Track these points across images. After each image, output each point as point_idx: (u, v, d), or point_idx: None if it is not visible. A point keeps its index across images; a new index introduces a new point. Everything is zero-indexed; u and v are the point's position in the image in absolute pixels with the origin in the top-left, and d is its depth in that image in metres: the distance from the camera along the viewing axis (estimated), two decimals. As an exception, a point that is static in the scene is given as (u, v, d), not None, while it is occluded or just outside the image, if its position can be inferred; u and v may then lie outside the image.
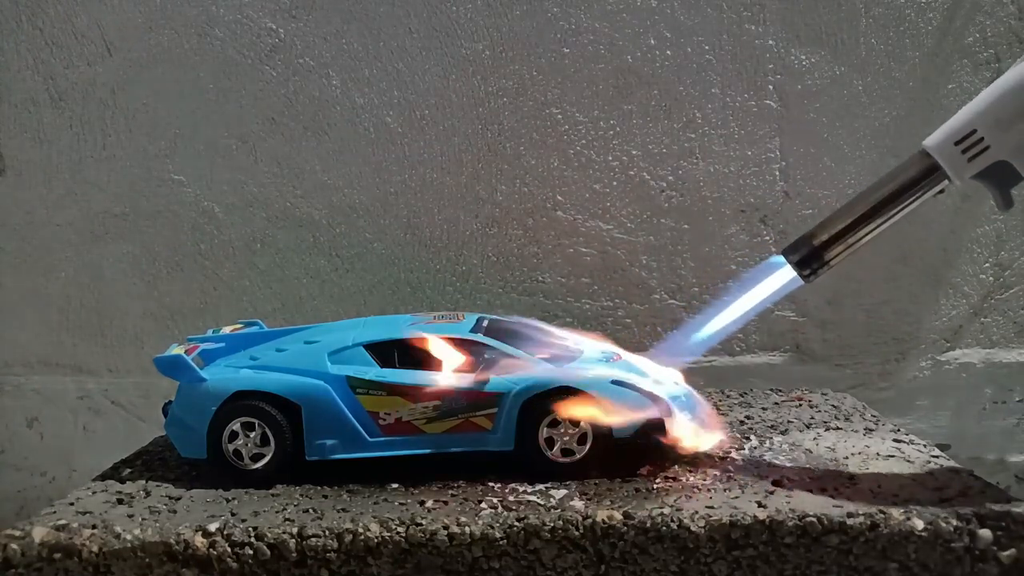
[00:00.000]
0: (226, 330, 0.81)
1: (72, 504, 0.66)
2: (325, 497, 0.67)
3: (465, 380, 0.71)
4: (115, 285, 1.09)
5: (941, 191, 0.70)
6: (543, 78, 1.09)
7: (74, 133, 1.07)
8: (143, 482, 0.71)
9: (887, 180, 0.71)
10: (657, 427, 0.71)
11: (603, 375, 0.71)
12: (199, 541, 0.60)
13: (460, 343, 0.72)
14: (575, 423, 0.70)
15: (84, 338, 1.11)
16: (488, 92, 1.08)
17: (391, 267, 1.10)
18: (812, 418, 0.87)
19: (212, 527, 0.61)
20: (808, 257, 0.72)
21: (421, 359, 0.72)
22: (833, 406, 0.91)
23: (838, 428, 0.83)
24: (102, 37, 1.05)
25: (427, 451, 0.70)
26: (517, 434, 0.70)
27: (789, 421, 0.86)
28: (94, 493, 0.69)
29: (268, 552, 0.60)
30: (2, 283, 1.10)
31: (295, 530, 0.61)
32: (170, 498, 0.67)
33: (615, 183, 1.11)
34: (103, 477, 0.73)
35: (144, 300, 1.09)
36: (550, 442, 0.70)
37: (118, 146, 1.07)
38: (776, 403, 0.93)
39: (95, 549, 0.60)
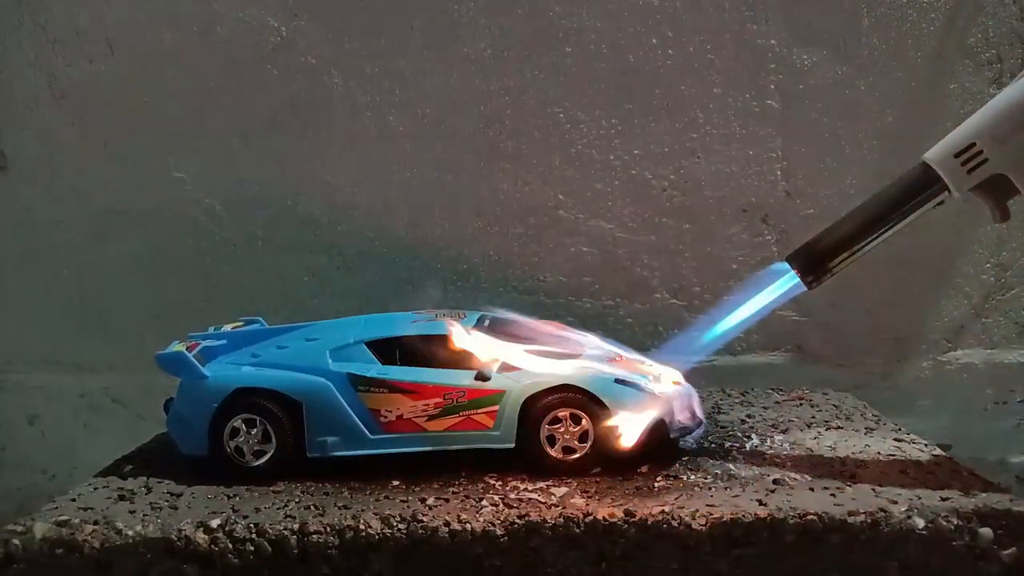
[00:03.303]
0: (227, 327, 0.81)
1: (74, 500, 0.66)
2: (326, 494, 0.67)
3: (466, 377, 0.71)
4: (116, 283, 1.09)
5: (941, 203, 0.71)
6: (545, 77, 1.09)
7: (76, 131, 1.07)
8: (144, 478, 0.71)
9: (888, 190, 0.73)
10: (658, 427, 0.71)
11: (606, 373, 0.71)
12: (200, 537, 0.60)
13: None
14: (576, 420, 0.70)
15: (85, 336, 1.11)
16: (490, 91, 1.08)
17: (392, 265, 1.10)
18: (813, 417, 0.87)
19: (213, 523, 0.61)
20: (811, 264, 0.73)
21: (422, 356, 0.72)
22: (834, 405, 0.91)
23: (839, 427, 0.83)
24: (104, 35, 1.06)
25: (428, 448, 0.70)
26: (518, 431, 0.70)
27: (790, 420, 0.86)
28: (96, 489, 0.69)
29: (269, 548, 0.60)
30: (3, 280, 1.10)
31: (296, 527, 0.61)
32: (171, 494, 0.67)
33: (617, 182, 1.11)
34: (104, 473, 0.73)
35: (145, 298, 1.09)
36: (551, 440, 0.70)
37: (120, 144, 1.07)
38: (777, 402, 0.93)
39: (96, 545, 0.60)
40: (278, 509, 0.64)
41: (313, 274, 1.10)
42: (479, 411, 0.70)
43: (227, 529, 0.61)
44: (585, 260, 1.11)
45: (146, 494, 0.67)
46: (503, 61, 1.08)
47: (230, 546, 0.60)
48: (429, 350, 0.72)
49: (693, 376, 0.80)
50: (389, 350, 0.72)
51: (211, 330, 0.80)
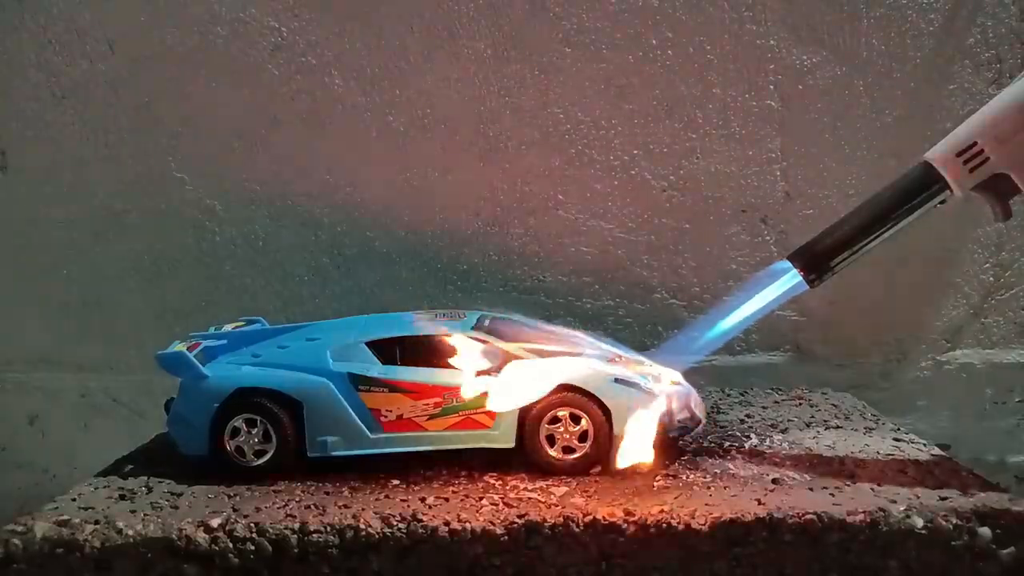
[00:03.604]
0: (228, 327, 0.81)
1: (74, 500, 0.66)
2: (327, 493, 0.67)
3: (465, 377, 0.71)
4: (117, 283, 1.09)
5: (943, 201, 0.72)
6: (545, 77, 1.09)
7: (76, 131, 1.07)
8: (145, 478, 0.71)
9: (890, 189, 0.74)
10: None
11: (605, 373, 0.71)
12: (201, 537, 0.60)
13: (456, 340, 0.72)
14: (576, 420, 0.70)
15: (86, 336, 1.11)
16: (489, 91, 1.08)
17: (393, 266, 1.10)
18: (812, 417, 0.87)
19: (214, 523, 0.61)
20: (813, 263, 0.74)
21: (422, 356, 0.72)
22: (833, 405, 0.91)
23: (838, 427, 0.83)
24: (104, 35, 1.05)
25: (428, 448, 0.70)
26: (518, 431, 0.70)
27: (789, 420, 0.86)
28: (96, 489, 0.69)
29: (270, 548, 0.60)
30: (3, 280, 1.10)
31: (296, 526, 0.61)
32: (172, 494, 0.67)
33: (616, 182, 1.11)
34: (105, 473, 0.73)
35: (146, 298, 1.09)
36: (551, 439, 0.70)
37: (120, 144, 1.07)
38: (776, 402, 0.93)
39: (97, 544, 0.60)
40: (278, 508, 0.64)
41: (314, 274, 1.10)
42: (478, 411, 0.70)
43: (227, 528, 0.61)
44: (585, 260, 1.11)
45: (147, 494, 0.68)
46: (503, 61, 1.08)
47: (231, 545, 0.60)
48: (430, 350, 0.72)
49: (691, 375, 0.80)
50: (390, 350, 0.72)
51: (212, 330, 0.80)
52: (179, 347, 0.73)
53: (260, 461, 0.70)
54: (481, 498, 0.65)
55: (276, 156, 1.08)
